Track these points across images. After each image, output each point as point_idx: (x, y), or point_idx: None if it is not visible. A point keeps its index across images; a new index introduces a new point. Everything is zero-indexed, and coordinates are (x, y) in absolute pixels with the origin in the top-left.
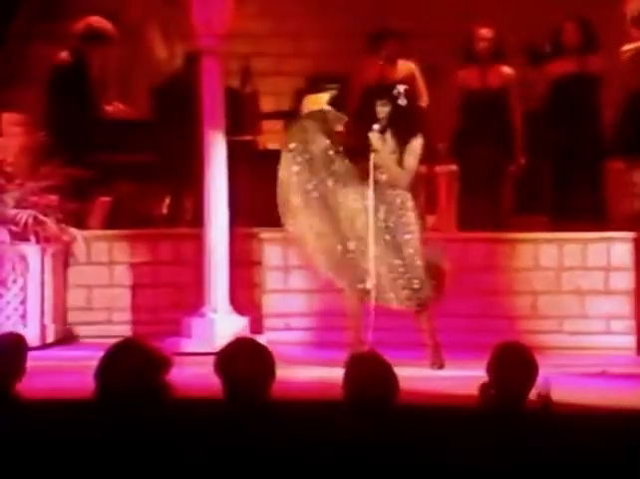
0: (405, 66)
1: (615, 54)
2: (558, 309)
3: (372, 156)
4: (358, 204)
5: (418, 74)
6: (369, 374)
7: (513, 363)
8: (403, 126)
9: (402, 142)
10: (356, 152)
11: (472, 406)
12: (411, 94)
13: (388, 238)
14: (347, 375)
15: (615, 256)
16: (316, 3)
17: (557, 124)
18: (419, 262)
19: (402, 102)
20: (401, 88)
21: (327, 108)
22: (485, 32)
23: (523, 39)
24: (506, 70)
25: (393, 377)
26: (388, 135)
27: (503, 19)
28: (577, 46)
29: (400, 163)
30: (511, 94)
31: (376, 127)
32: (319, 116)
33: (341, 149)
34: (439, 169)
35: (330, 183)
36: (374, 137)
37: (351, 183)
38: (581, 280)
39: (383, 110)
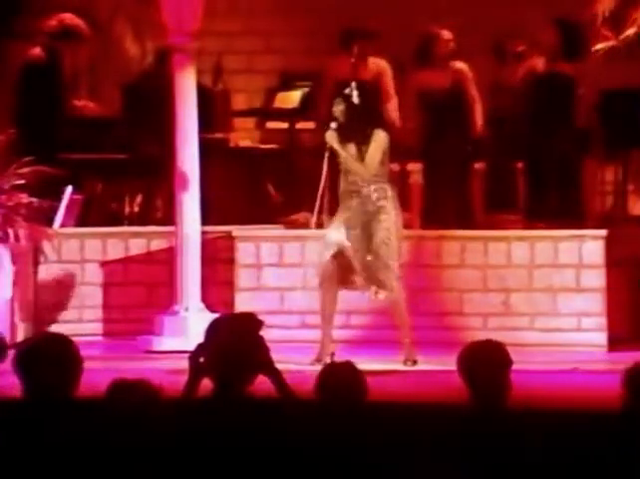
0: (376, 64)
1: (587, 54)
2: (530, 307)
3: (326, 154)
4: None
5: (389, 72)
6: (341, 384)
7: (486, 361)
8: (360, 123)
9: (361, 140)
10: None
11: (447, 405)
12: (365, 90)
13: (364, 232)
14: (319, 384)
15: (587, 254)
16: (286, 1)
17: (529, 122)
18: (392, 249)
19: (355, 100)
20: (353, 85)
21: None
22: (447, 34)
23: (490, 37)
24: (459, 65)
25: (363, 386)
26: (347, 134)
27: (469, 17)
28: (555, 49)
29: (363, 159)
30: (467, 88)
31: (333, 125)
32: None
33: None
34: (410, 166)
35: None
36: (329, 136)
37: None
38: (553, 278)
39: (337, 109)
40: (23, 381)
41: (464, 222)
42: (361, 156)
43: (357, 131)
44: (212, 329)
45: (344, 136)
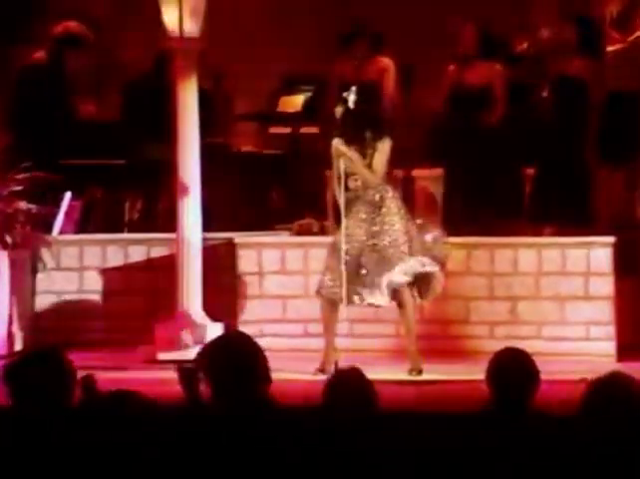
0: (381, 62)
1: (603, 53)
2: (537, 315)
3: (340, 162)
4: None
5: (391, 70)
6: (350, 392)
7: (514, 370)
8: (358, 128)
9: (363, 144)
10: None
11: (470, 412)
12: (364, 94)
13: (368, 235)
14: (328, 390)
15: (595, 261)
16: (289, 3)
17: (542, 126)
18: (397, 254)
19: (351, 104)
20: (353, 89)
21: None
22: (471, 28)
23: (499, 36)
24: (495, 65)
25: (373, 395)
26: (350, 139)
27: (479, 16)
28: (571, 47)
29: (370, 165)
30: (496, 90)
31: (337, 132)
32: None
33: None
34: (416, 172)
35: None
36: (337, 143)
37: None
38: (561, 286)
39: (337, 111)
40: (14, 395)
41: (481, 228)
42: (363, 161)
43: (355, 135)
44: (206, 357)
45: (346, 141)
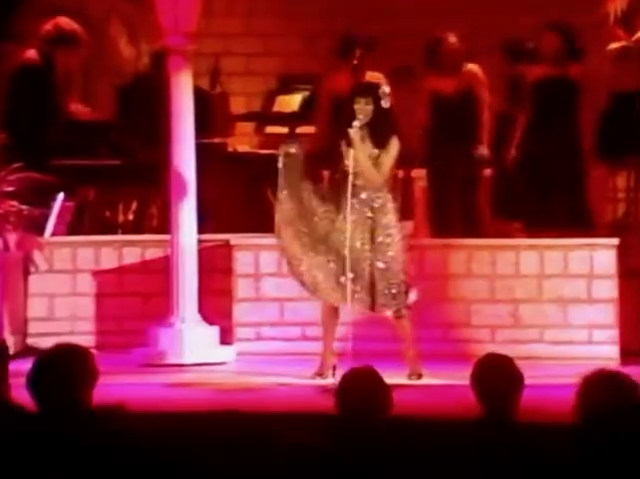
0: (374, 78)
1: (596, 56)
2: (540, 318)
3: (351, 152)
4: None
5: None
6: (362, 388)
7: (498, 376)
8: (380, 128)
9: (378, 144)
10: (326, 157)
11: (457, 418)
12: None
13: (368, 240)
14: (340, 388)
15: (598, 264)
16: (286, 2)
17: (536, 128)
18: (398, 267)
19: (385, 104)
20: (387, 89)
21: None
22: (453, 37)
23: (501, 37)
24: (470, 67)
25: (387, 392)
26: (365, 135)
27: (480, 17)
28: (557, 54)
29: (376, 165)
30: (478, 91)
31: (356, 123)
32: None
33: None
34: (415, 173)
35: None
36: (354, 133)
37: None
38: (563, 288)
39: (366, 108)
40: (37, 394)
41: (470, 229)
42: (372, 160)
43: (376, 135)
44: None
45: (361, 137)
